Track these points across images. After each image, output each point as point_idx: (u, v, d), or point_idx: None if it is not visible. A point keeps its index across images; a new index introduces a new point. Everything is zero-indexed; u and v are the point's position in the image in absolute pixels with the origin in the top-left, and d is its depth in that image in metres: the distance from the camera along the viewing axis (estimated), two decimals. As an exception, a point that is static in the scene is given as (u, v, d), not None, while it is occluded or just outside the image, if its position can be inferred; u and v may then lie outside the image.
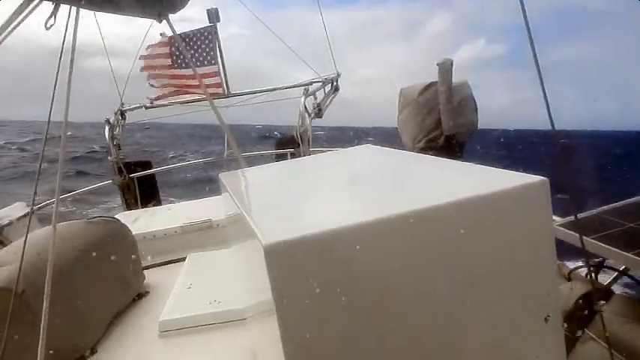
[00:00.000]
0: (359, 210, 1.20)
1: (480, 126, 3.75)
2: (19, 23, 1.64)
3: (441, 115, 3.59)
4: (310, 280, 0.98)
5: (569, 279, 2.26)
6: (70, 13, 1.72)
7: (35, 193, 1.62)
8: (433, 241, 1.06)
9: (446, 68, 3.57)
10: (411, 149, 3.72)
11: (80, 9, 1.73)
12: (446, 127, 3.57)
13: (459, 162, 1.47)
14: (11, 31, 1.63)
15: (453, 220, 1.06)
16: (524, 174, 1.15)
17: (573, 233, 1.86)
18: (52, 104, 1.43)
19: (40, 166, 1.55)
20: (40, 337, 1.25)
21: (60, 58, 1.51)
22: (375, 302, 1.04)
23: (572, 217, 1.92)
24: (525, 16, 1.30)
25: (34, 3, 1.64)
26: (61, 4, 1.70)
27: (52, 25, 1.57)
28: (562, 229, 1.97)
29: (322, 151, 5.61)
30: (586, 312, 2.04)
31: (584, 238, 1.95)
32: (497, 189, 1.11)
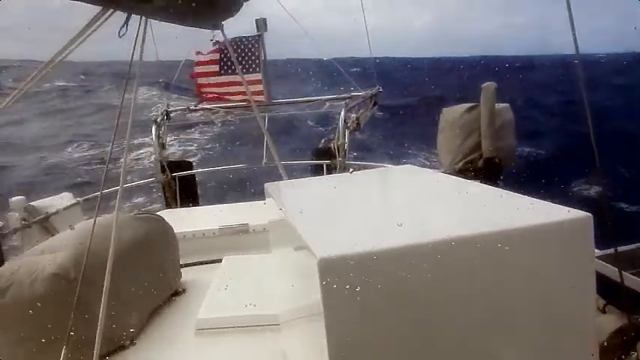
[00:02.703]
0: (406, 232, 1.25)
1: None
2: (93, 32, 1.77)
3: (481, 138, 3.60)
4: (357, 294, 1.04)
5: (604, 311, 2.23)
6: (140, 23, 1.85)
7: (103, 180, 1.73)
8: (475, 267, 1.11)
9: (490, 91, 3.58)
10: (448, 169, 3.74)
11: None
12: (486, 149, 3.57)
13: (503, 190, 1.50)
14: (84, 40, 1.76)
15: (497, 248, 1.11)
16: (570, 208, 1.18)
17: (611, 267, 1.86)
18: (119, 115, 1.54)
19: (108, 163, 1.66)
20: (99, 323, 1.34)
21: (130, 66, 1.63)
22: (414, 320, 1.10)
23: (611, 250, 1.91)
24: None
25: (108, 13, 1.76)
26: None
27: (124, 34, 1.69)
28: (600, 261, 1.96)
29: (357, 164, 5.67)
30: (620, 347, 2.01)
31: (624, 273, 1.94)
32: (542, 222, 1.14)
